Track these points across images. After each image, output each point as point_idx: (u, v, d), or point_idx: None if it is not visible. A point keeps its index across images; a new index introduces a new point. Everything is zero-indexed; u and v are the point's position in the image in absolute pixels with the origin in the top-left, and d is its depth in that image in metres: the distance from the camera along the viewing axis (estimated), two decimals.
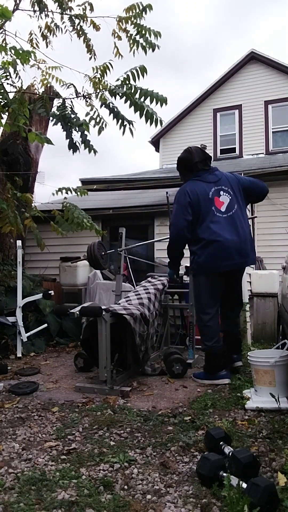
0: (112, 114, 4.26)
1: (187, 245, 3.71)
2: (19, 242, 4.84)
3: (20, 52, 3.72)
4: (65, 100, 4.33)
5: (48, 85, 5.30)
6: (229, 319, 3.86)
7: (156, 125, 4.10)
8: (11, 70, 4.01)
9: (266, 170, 7.32)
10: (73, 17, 5.16)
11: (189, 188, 3.58)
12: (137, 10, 4.61)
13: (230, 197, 3.58)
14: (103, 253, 4.88)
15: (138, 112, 4.07)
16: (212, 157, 11.31)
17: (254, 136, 10.98)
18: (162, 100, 4.01)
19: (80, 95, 4.38)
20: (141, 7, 4.59)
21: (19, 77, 4.29)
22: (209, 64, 36.13)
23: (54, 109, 4.43)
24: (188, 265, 4.48)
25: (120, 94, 4.11)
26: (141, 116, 4.07)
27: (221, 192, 3.58)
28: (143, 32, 4.56)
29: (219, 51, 38.27)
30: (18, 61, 3.83)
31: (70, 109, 4.27)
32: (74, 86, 4.37)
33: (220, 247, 3.44)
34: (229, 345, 3.73)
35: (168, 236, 3.75)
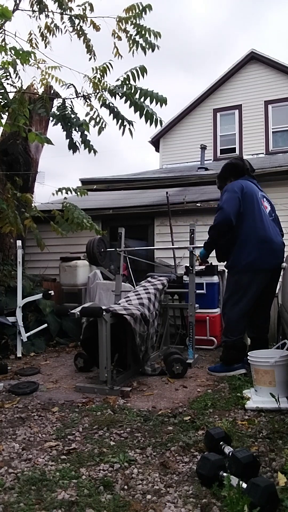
0: (112, 114, 4.26)
1: (229, 242, 3.77)
2: (19, 242, 4.84)
3: (20, 52, 3.72)
4: (65, 100, 4.33)
5: (48, 85, 5.30)
6: (258, 327, 3.89)
7: (156, 125, 4.10)
8: (11, 70, 4.01)
9: (266, 170, 7.30)
10: (73, 17, 5.16)
11: (243, 183, 3.74)
12: (137, 11, 4.61)
13: (270, 206, 3.86)
14: (102, 250, 4.89)
15: (138, 112, 4.07)
16: (212, 157, 11.36)
17: (254, 136, 10.97)
18: (162, 101, 4.01)
19: (80, 95, 4.38)
20: (140, 8, 4.59)
21: (19, 77, 4.30)
22: (221, 60, 36.28)
23: (54, 109, 4.43)
24: (188, 265, 4.49)
25: (120, 94, 4.11)
26: (141, 116, 4.07)
27: (264, 199, 3.83)
28: (143, 32, 4.55)
29: (231, 47, 38.40)
30: (18, 61, 3.83)
31: (70, 109, 4.27)
32: (74, 86, 4.37)
33: (271, 246, 3.62)
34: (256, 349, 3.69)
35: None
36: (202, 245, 3.96)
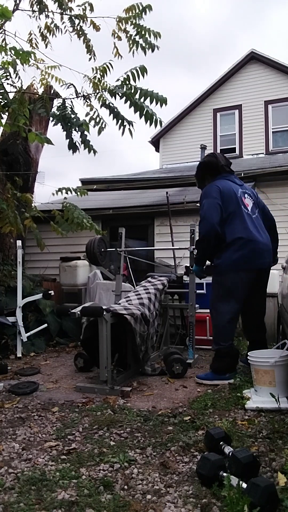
0: (112, 114, 4.26)
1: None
2: (19, 242, 4.84)
3: (20, 52, 3.72)
4: (65, 100, 4.33)
5: (48, 85, 5.30)
6: (254, 329, 3.79)
7: (155, 125, 4.10)
8: (11, 70, 4.02)
9: (266, 170, 7.31)
10: (73, 18, 5.16)
11: (220, 184, 3.57)
12: (137, 11, 4.61)
13: (252, 202, 3.69)
14: (102, 249, 4.90)
15: (138, 112, 4.07)
16: None
17: (254, 136, 10.97)
18: (162, 101, 4.02)
19: (80, 95, 4.39)
20: (140, 8, 4.59)
21: (19, 77, 4.30)
22: (222, 60, 36.37)
23: (54, 109, 4.43)
24: (188, 265, 4.49)
25: (120, 94, 4.11)
26: (140, 117, 4.07)
27: (246, 195, 3.66)
28: (143, 32, 4.56)
29: (232, 46, 38.46)
30: (18, 61, 3.83)
31: (70, 109, 4.28)
32: (74, 86, 4.38)
33: (255, 246, 3.47)
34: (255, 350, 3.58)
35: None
36: (194, 263, 3.79)
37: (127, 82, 4.08)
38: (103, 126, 4.43)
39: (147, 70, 4.06)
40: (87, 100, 4.41)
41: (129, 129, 4.21)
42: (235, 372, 3.55)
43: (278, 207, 7.06)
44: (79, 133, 4.28)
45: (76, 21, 5.18)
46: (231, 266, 3.47)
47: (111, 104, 4.29)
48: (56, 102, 4.76)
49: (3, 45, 4.53)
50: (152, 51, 4.55)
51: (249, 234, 3.47)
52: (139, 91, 4.05)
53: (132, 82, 4.07)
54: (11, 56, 3.83)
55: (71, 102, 4.34)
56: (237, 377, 3.49)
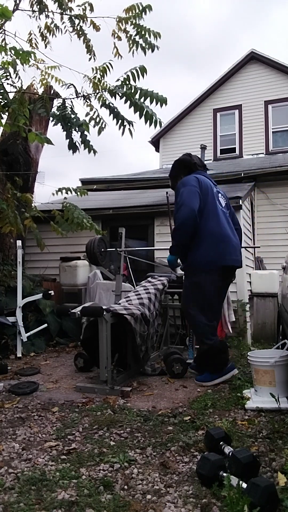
0: (112, 114, 4.26)
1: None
2: (19, 242, 4.84)
3: (20, 52, 3.72)
4: (65, 100, 4.34)
5: (48, 85, 5.31)
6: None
7: (155, 126, 4.11)
8: (11, 70, 4.02)
9: (266, 170, 7.31)
10: (73, 18, 5.16)
11: (198, 177, 3.59)
12: (137, 11, 4.61)
13: (225, 201, 3.73)
14: (102, 249, 4.90)
15: (138, 112, 4.07)
16: (212, 157, 11.36)
17: (254, 136, 10.97)
18: (162, 101, 4.02)
19: (80, 95, 4.39)
20: (140, 8, 4.59)
21: (19, 77, 4.30)
22: (223, 59, 36.50)
23: (54, 109, 4.43)
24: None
25: (120, 95, 4.12)
26: (140, 117, 4.08)
27: (219, 195, 3.69)
28: (143, 32, 4.56)
29: (234, 46, 38.55)
30: (18, 61, 3.84)
31: (70, 109, 4.28)
32: (74, 86, 4.38)
33: (229, 243, 3.46)
34: None
35: (175, 228, 3.56)
36: (169, 252, 3.67)
37: (127, 82, 4.08)
38: (103, 126, 4.43)
39: (147, 70, 4.06)
40: (87, 100, 4.41)
41: (129, 129, 4.21)
42: (231, 363, 3.55)
43: (278, 207, 7.07)
44: (79, 133, 4.28)
45: (76, 21, 5.18)
46: (206, 265, 3.43)
47: (111, 104, 4.30)
48: (56, 102, 4.76)
49: (3, 45, 4.54)
50: (152, 51, 4.55)
51: (223, 230, 3.45)
52: (139, 91, 4.05)
53: (132, 82, 4.07)
54: (11, 56, 3.84)
55: (71, 102, 4.35)
56: (237, 377, 3.49)
